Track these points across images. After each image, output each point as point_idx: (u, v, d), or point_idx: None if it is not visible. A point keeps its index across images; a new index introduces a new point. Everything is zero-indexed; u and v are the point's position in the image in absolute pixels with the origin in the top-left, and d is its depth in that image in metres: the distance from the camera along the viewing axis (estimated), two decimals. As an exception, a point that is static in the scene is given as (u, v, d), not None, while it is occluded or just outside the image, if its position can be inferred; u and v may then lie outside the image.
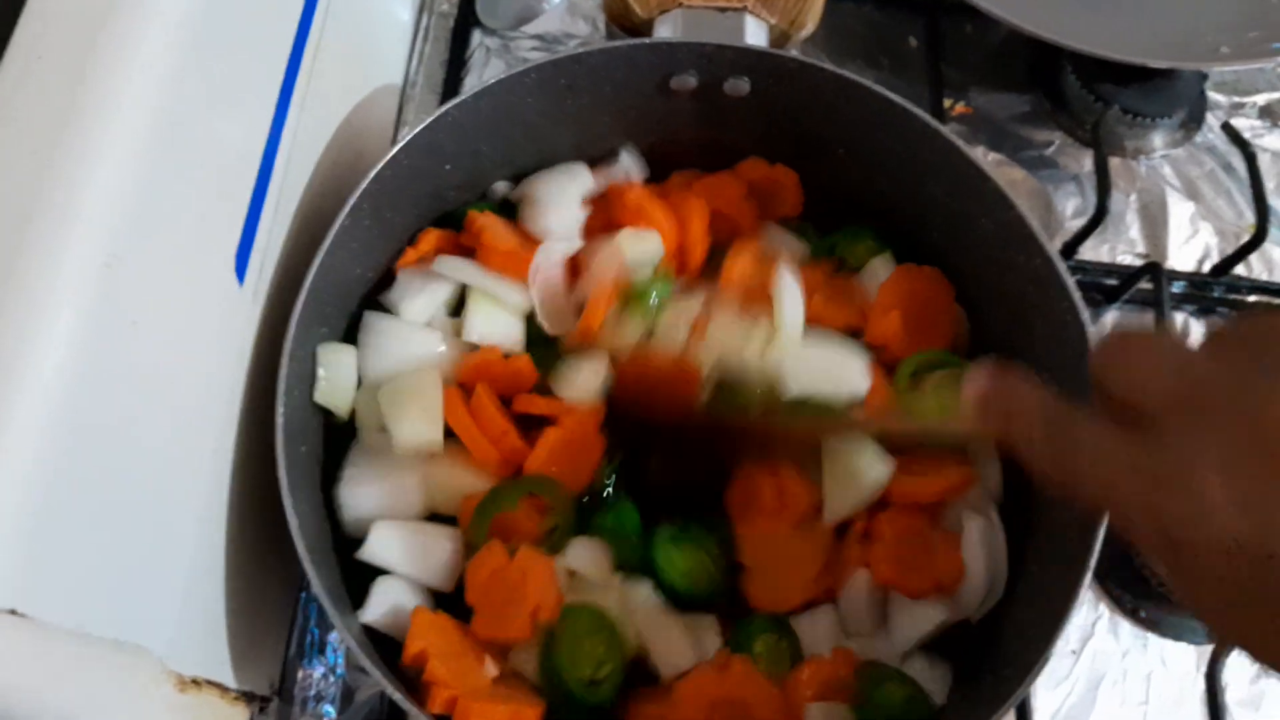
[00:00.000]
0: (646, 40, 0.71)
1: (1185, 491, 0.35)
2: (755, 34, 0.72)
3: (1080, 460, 0.39)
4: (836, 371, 0.66)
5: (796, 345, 0.67)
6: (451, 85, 0.91)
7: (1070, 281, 0.61)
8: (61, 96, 0.47)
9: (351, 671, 0.70)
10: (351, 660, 0.71)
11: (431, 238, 0.70)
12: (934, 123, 0.66)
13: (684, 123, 0.74)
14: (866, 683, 0.60)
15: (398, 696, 0.54)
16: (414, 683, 0.59)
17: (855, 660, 0.62)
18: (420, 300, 0.68)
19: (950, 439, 0.62)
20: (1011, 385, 0.44)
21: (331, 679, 0.70)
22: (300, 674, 0.70)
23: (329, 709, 0.69)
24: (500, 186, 0.75)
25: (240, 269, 0.57)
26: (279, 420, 0.57)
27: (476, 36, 0.95)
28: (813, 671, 0.61)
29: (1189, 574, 0.38)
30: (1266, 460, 0.34)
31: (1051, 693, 0.72)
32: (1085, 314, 0.60)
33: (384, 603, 0.61)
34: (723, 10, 0.72)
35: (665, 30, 0.72)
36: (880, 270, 0.72)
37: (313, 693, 0.70)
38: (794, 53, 0.70)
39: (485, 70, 0.93)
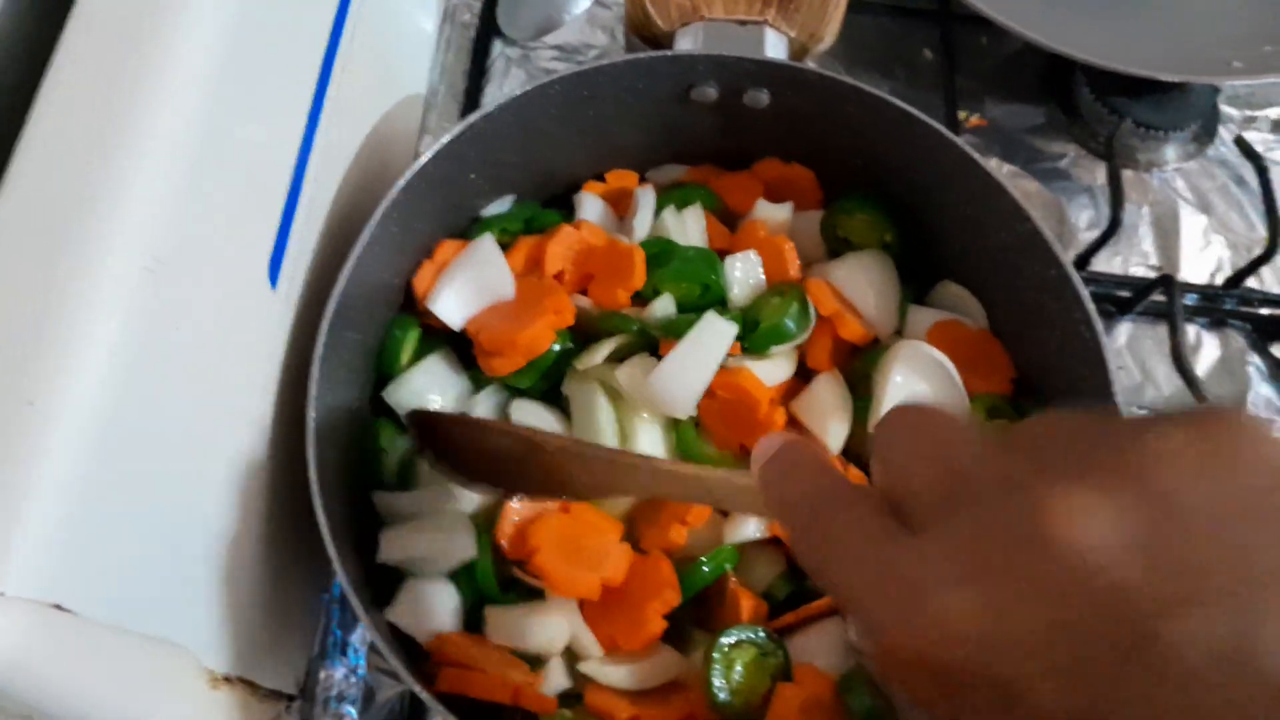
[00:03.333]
0: (668, 52, 0.71)
1: (918, 602, 0.30)
2: (775, 47, 0.73)
3: (831, 550, 0.33)
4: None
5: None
6: (473, 94, 0.93)
7: (1085, 294, 0.62)
8: (105, 104, 0.48)
9: (373, 672, 0.71)
10: (373, 661, 0.71)
11: (449, 250, 0.71)
12: (950, 134, 0.67)
13: (703, 132, 0.75)
14: (844, 694, 0.60)
15: (425, 694, 0.55)
16: (433, 679, 0.61)
17: (832, 679, 0.60)
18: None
19: (732, 504, 0.52)
20: (797, 456, 0.38)
21: (353, 679, 0.71)
22: (322, 674, 0.71)
23: (350, 709, 0.70)
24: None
25: (273, 274, 0.59)
26: (310, 423, 0.58)
27: (497, 46, 0.96)
28: (790, 695, 0.59)
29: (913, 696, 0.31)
30: (1015, 573, 0.28)
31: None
32: (1100, 325, 0.61)
33: (410, 602, 0.62)
34: (743, 23, 0.74)
35: (686, 42, 0.73)
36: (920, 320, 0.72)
37: (334, 693, 0.71)
38: (812, 65, 0.71)
39: (506, 80, 0.95)
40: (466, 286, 0.69)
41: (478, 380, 0.69)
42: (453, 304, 0.68)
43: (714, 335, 0.65)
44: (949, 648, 0.29)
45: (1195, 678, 0.26)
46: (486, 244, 0.70)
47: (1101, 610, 0.27)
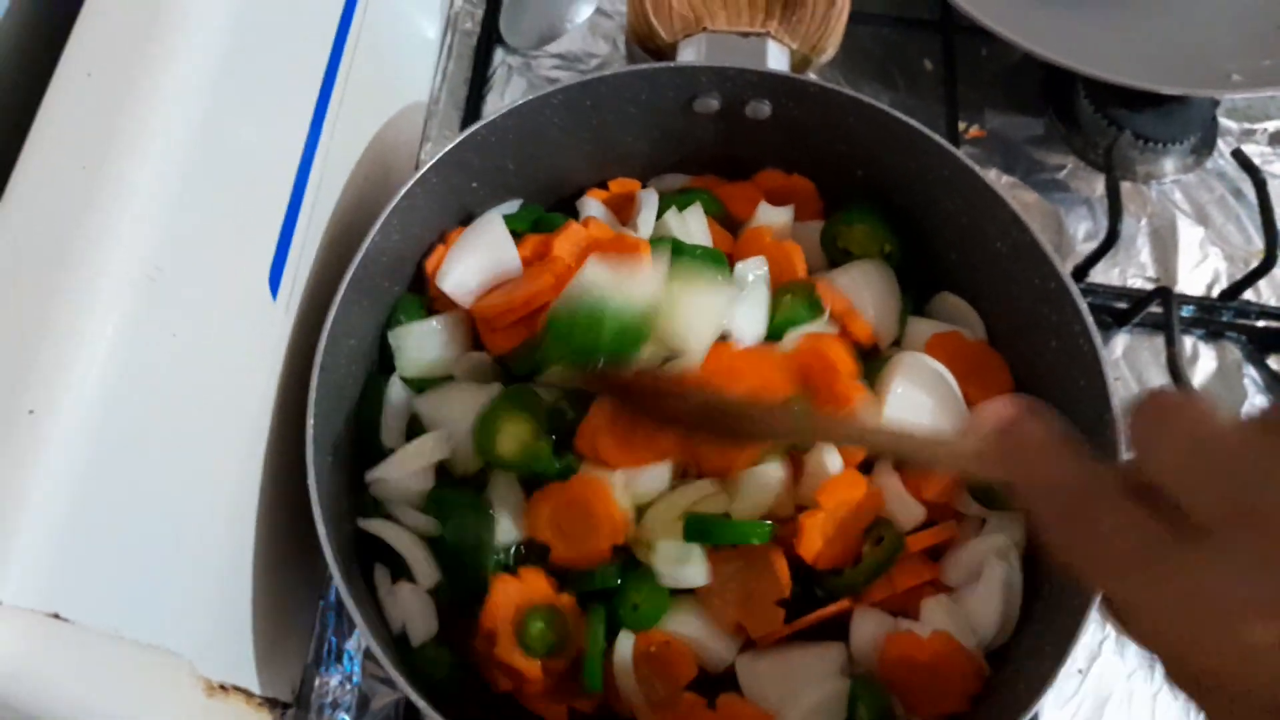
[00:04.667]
0: (671, 64, 0.72)
1: (1226, 629, 0.29)
2: (777, 59, 0.74)
3: (1102, 550, 0.32)
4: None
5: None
6: (474, 103, 0.93)
7: (1084, 305, 0.62)
8: (108, 113, 0.48)
9: (367, 679, 0.71)
10: (368, 668, 0.71)
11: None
12: (949, 146, 0.67)
13: (706, 142, 0.75)
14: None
15: (418, 699, 0.55)
16: (430, 682, 0.60)
17: None
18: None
19: (952, 468, 0.56)
20: (1037, 431, 0.36)
21: (348, 686, 0.71)
22: (317, 681, 0.71)
23: (345, 717, 0.70)
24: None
25: (274, 282, 0.59)
26: (309, 431, 0.58)
27: (499, 55, 0.96)
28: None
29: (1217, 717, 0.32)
30: None
31: (1058, 712, 0.73)
32: (1098, 337, 0.61)
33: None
34: (745, 35, 0.74)
35: (689, 54, 0.74)
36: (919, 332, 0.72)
37: (329, 700, 0.70)
38: (813, 77, 0.71)
39: (507, 88, 0.95)
40: (474, 263, 0.69)
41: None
42: (460, 279, 0.68)
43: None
44: (1258, 676, 0.29)
45: None
46: (493, 220, 0.70)
47: None
